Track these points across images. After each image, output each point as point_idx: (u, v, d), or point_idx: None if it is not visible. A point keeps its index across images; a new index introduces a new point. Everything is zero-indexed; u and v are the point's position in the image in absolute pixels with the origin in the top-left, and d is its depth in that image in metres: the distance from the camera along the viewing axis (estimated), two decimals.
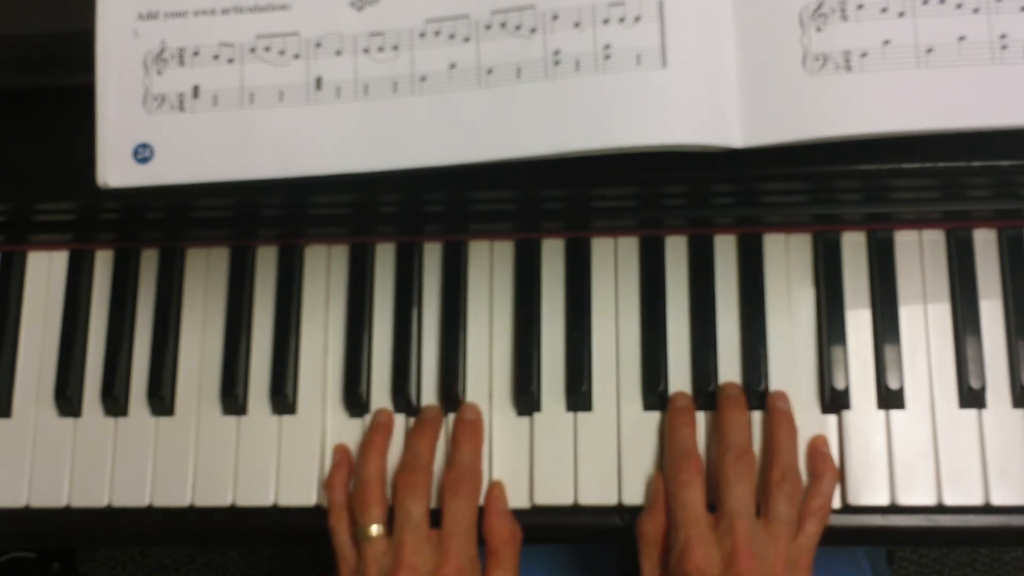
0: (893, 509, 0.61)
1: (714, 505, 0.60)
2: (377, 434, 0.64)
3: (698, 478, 0.59)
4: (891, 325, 0.63)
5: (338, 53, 0.56)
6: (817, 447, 0.62)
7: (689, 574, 0.56)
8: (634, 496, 0.63)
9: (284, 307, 0.67)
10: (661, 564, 0.59)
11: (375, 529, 0.60)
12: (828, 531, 0.60)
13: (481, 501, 0.62)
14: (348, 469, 0.64)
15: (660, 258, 0.66)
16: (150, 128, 0.57)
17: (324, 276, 0.68)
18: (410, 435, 0.64)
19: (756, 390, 0.63)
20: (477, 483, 0.62)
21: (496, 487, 0.63)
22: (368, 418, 0.65)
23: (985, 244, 0.64)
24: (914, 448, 0.62)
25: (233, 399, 0.66)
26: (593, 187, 0.62)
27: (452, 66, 0.56)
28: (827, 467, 0.61)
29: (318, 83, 0.56)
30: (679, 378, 0.64)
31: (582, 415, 0.64)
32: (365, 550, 0.60)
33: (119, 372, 0.67)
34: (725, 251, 0.66)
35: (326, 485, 0.64)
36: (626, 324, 0.65)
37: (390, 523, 0.61)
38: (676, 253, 0.66)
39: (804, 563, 0.59)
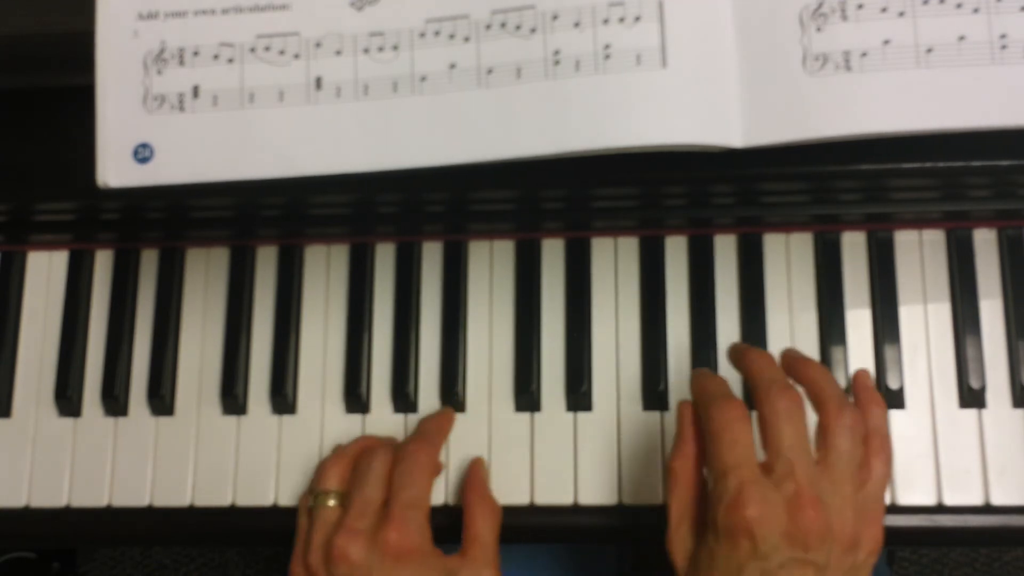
0: (893, 509, 0.61)
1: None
2: (376, 437, 0.64)
3: (746, 418, 0.50)
4: (891, 325, 0.63)
5: (338, 53, 0.57)
6: (860, 380, 0.57)
7: (747, 526, 0.47)
8: (634, 496, 0.63)
9: (284, 307, 0.67)
10: (694, 511, 0.52)
11: (330, 499, 0.59)
12: None
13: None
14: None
15: (660, 258, 0.66)
16: (150, 128, 0.57)
17: (324, 276, 0.68)
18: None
19: None
20: (432, 453, 0.60)
21: (477, 463, 0.63)
22: (368, 418, 0.65)
23: (985, 244, 0.64)
24: (914, 448, 0.62)
25: (233, 399, 0.66)
26: (593, 187, 0.62)
27: (452, 66, 0.56)
28: (873, 399, 0.56)
29: (318, 83, 0.57)
30: (679, 378, 0.64)
31: (582, 415, 0.64)
32: (316, 517, 0.59)
33: (119, 372, 0.67)
34: (725, 251, 0.66)
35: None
36: (626, 324, 0.65)
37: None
38: (676, 253, 0.66)
39: (876, 514, 0.51)
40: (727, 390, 0.53)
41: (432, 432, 0.62)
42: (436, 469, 0.62)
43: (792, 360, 0.56)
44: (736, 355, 0.57)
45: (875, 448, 0.53)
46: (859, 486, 0.51)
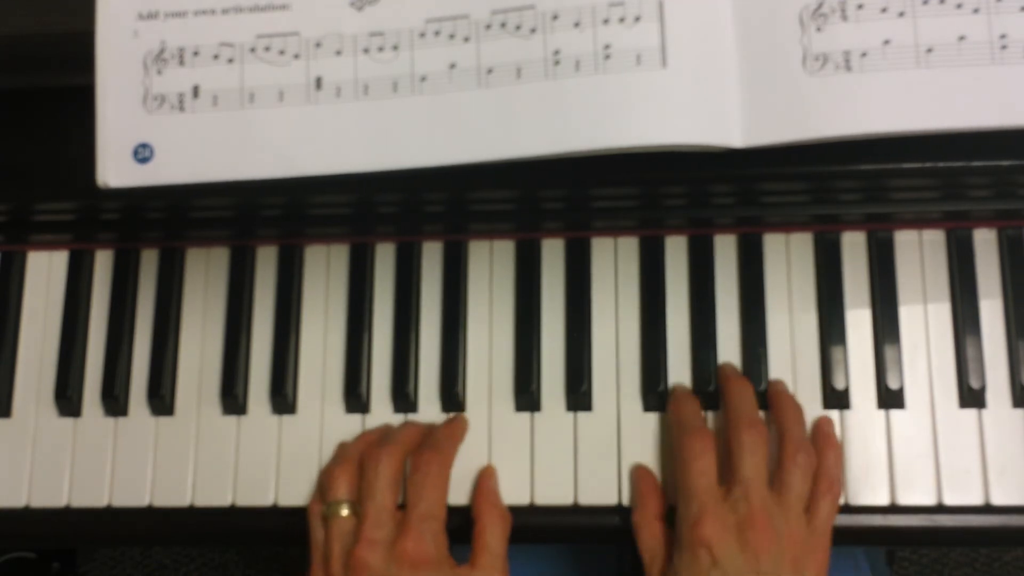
0: (893, 509, 0.61)
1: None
2: (374, 431, 0.64)
3: (712, 450, 0.58)
4: (891, 325, 0.63)
5: (338, 53, 0.56)
6: (820, 427, 0.62)
7: (704, 541, 0.55)
8: (632, 500, 0.62)
9: (284, 307, 0.67)
10: (664, 554, 0.59)
11: (343, 508, 0.59)
12: None
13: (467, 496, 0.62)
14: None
15: (660, 258, 0.66)
16: (150, 128, 0.57)
17: (324, 276, 0.68)
18: (398, 426, 0.64)
19: (756, 390, 0.63)
20: (444, 463, 0.61)
21: (488, 470, 0.63)
22: (368, 418, 0.65)
23: (985, 244, 0.64)
24: (914, 448, 0.62)
25: (233, 399, 0.66)
26: (593, 187, 0.62)
27: (452, 66, 0.56)
28: (829, 444, 0.61)
29: (318, 83, 0.57)
30: (679, 378, 0.64)
31: (582, 415, 0.64)
32: (331, 528, 0.59)
33: (119, 372, 0.67)
34: (725, 251, 0.66)
35: (319, 474, 0.64)
36: (626, 324, 0.65)
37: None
38: (676, 253, 0.66)
39: (821, 547, 0.58)
40: (699, 421, 0.61)
41: (444, 441, 0.62)
42: (445, 470, 0.61)
43: (775, 393, 0.62)
44: (722, 377, 0.63)
45: (823, 490, 0.59)
46: (807, 520, 0.58)
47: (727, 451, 0.59)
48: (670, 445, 0.62)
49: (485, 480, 0.63)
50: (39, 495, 0.66)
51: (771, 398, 0.62)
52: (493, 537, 0.60)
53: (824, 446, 0.61)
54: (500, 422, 0.64)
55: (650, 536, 0.59)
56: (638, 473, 0.62)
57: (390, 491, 0.59)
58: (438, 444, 0.61)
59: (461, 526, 0.61)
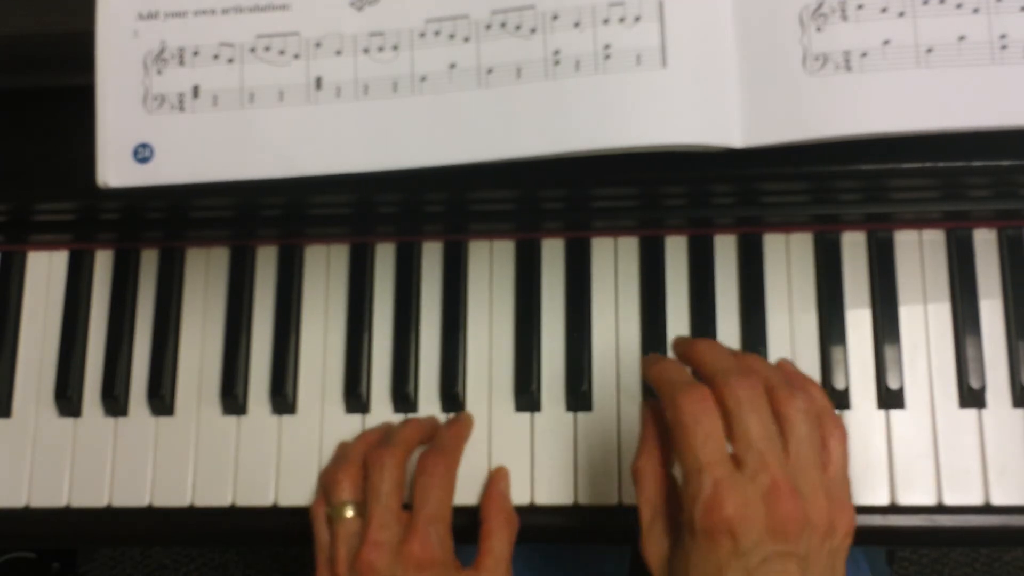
0: (893, 509, 0.61)
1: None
2: (375, 430, 0.64)
3: (714, 409, 0.48)
4: (891, 325, 0.63)
5: (338, 53, 0.57)
6: (785, 369, 0.54)
7: (728, 526, 0.45)
8: (634, 496, 0.62)
9: (284, 307, 0.67)
10: (665, 510, 0.51)
11: (348, 510, 0.59)
12: None
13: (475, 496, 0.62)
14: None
15: (660, 258, 0.66)
16: (150, 128, 0.57)
17: (324, 276, 0.68)
18: (398, 425, 0.64)
19: None
20: (451, 465, 0.61)
21: (500, 472, 0.63)
22: (368, 418, 0.65)
23: (985, 244, 0.64)
24: (914, 448, 0.62)
25: (233, 399, 0.66)
26: (593, 187, 0.62)
27: (452, 66, 0.56)
28: (805, 380, 0.53)
29: (318, 83, 0.57)
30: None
31: (582, 415, 0.64)
32: (337, 530, 0.59)
33: (119, 372, 0.67)
34: (725, 251, 0.66)
35: (320, 474, 0.64)
36: (626, 324, 0.65)
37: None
38: (676, 253, 0.66)
39: (844, 496, 0.50)
40: (689, 376, 0.51)
41: (450, 442, 0.62)
42: (451, 471, 0.61)
43: (738, 355, 0.52)
44: (683, 347, 0.53)
45: (829, 428, 0.50)
46: (823, 469, 0.49)
47: (724, 415, 0.48)
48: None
49: (496, 483, 0.63)
50: (39, 495, 0.66)
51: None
52: (499, 541, 0.60)
53: (804, 383, 0.52)
54: (500, 422, 0.64)
55: (654, 486, 0.51)
56: (645, 413, 0.54)
57: (395, 493, 0.59)
58: (445, 446, 0.61)
59: (465, 526, 0.61)
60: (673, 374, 0.51)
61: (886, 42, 0.54)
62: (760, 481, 0.46)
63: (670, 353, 0.64)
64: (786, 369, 0.54)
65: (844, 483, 0.50)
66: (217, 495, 0.65)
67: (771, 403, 0.49)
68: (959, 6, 0.54)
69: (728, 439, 0.48)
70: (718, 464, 0.47)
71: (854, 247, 0.65)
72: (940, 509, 0.61)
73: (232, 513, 0.65)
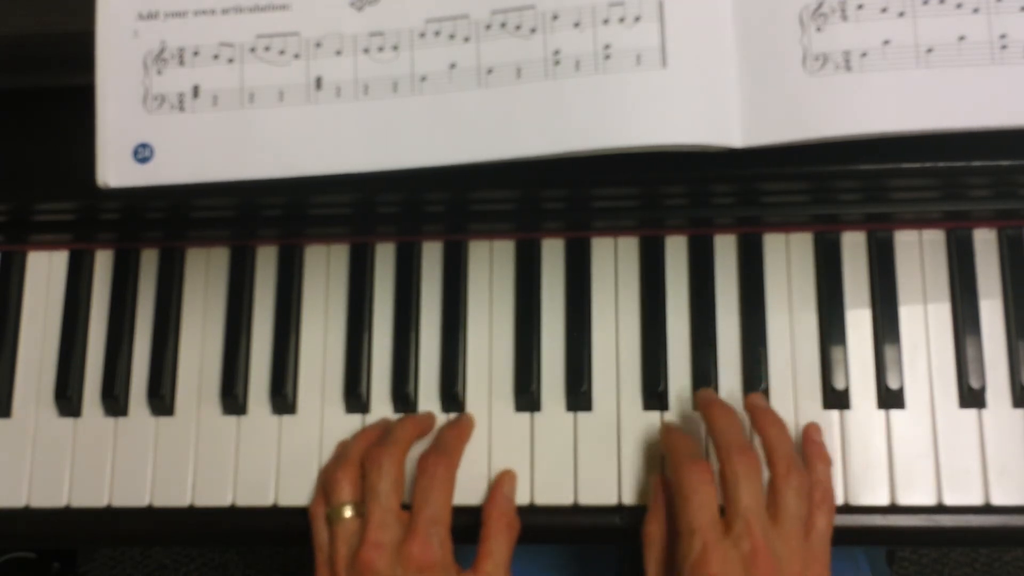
0: (893, 509, 0.61)
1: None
2: (373, 428, 0.64)
3: (711, 481, 0.56)
4: (891, 325, 0.63)
5: (338, 53, 0.57)
6: (809, 435, 0.61)
7: None
8: (634, 496, 0.63)
9: (284, 307, 0.67)
10: (666, 569, 0.58)
11: (347, 510, 0.59)
12: None
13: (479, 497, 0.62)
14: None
15: (660, 258, 0.66)
16: (150, 128, 0.57)
17: (324, 276, 0.68)
18: (395, 422, 0.64)
19: (756, 390, 0.63)
20: (451, 466, 0.61)
21: (506, 475, 0.63)
22: (368, 418, 0.65)
23: (985, 244, 0.64)
24: (914, 448, 0.62)
25: (233, 399, 0.66)
26: (593, 187, 0.62)
27: (452, 66, 0.56)
28: (818, 454, 0.60)
29: (318, 83, 0.57)
30: (679, 378, 0.64)
31: (582, 415, 0.64)
32: (336, 531, 0.59)
33: (119, 372, 0.67)
34: (725, 251, 0.66)
35: (319, 474, 0.64)
36: (626, 324, 0.65)
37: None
38: (676, 253, 0.66)
39: (821, 557, 0.57)
40: (696, 450, 0.59)
41: (451, 443, 0.62)
42: (451, 472, 0.61)
43: (754, 408, 0.61)
44: (702, 404, 0.61)
45: (817, 501, 0.58)
46: (803, 537, 0.56)
47: (721, 480, 0.57)
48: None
49: (500, 486, 0.63)
50: (39, 495, 0.66)
51: (751, 413, 0.61)
52: (499, 545, 0.60)
53: (814, 457, 0.60)
54: (500, 422, 0.64)
55: (659, 549, 0.58)
56: (656, 484, 0.61)
57: (394, 493, 0.59)
58: (445, 447, 0.61)
59: (465, 526, 0.61)
60: (682, 446, 0.59)
61: (886, 42, 0.54)
62: (742, 546, 0.54)
63: (672, 353, 0.64)
64: (808, 436, 0.61)
65: (823, 546, 0.57)
66: (217, 495, 0.65)
67: (771, 472, 0.57)
68: (959, 6, 0.54)
69: (723, 501, 0.56)
70: (708, 528, 0.54)
71: (854, 247, 0.65)
72: (940, 509, 0.61)
73: (232, 513, 0.65)
